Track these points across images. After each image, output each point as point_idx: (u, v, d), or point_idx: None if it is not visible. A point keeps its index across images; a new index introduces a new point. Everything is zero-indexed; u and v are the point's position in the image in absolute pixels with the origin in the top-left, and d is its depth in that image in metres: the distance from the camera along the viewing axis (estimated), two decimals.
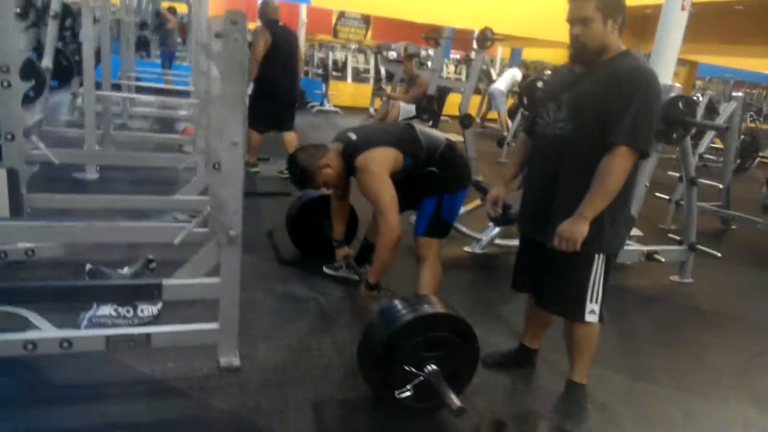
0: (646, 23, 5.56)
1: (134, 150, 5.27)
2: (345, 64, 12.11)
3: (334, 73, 10.93)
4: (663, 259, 3.48)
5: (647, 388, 2.44)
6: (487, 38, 5.31)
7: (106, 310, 2.32)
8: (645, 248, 3.52)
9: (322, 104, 10.58)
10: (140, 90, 7.22)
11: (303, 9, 14.03)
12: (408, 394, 1.84)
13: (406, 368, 1.82)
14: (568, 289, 2.02)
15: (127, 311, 2.37)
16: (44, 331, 1.97)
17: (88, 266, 2.53)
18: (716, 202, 5.01)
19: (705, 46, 10.49)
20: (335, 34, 12.16)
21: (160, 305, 2.48)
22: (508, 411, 2.15)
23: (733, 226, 5.17)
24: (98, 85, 4.78)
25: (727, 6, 7.62)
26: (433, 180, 2.51)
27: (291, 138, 5.15)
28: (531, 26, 9.90)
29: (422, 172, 2.51)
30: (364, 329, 1.97)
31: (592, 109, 1.86)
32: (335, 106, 10.66)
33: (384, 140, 2.46)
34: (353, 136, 2.54)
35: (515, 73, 9.34)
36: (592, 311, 2.02)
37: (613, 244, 2.00)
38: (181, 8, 11.64)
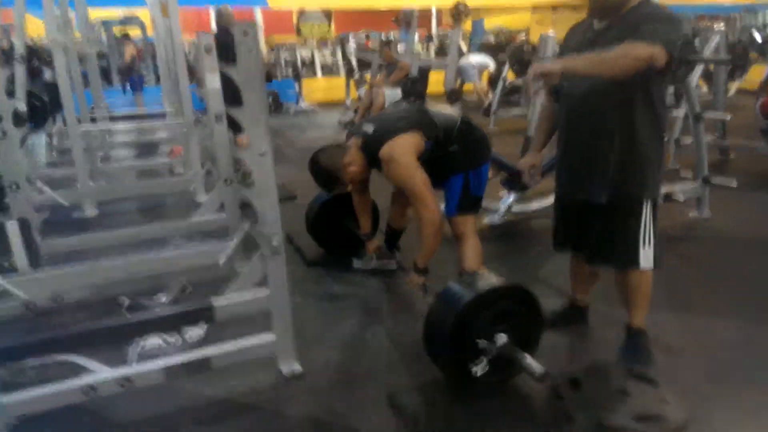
0: None
1: (125, 179, 5.16)
2: (312, 60, 11.99)
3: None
4: (682, 198, 3.50)
5: (700, 321, 2.47)
6: (460, 12, 5.31)
7: (154, 341, 2.26)
8: (662, 190, 3.54)
9: (297, 104, 10.47)
10: (113, 119, 7.07)
11: (258, 12, 13.85)
12: (486, 369, 1.83)
13: (479, 343, 1.80)
14: (621, 240, 2.02)
15: (175, 339, 2.31)
16: (101, 372, 1.92)
17: (126, 301, 2.46)
18: (711, 134, 5.06)
19: None
20: (298, 32, 12.04)
21: (206, 327, 2.43)
22: (576, 368, 2.15)
23: (732, 156, 5.24)
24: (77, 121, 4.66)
25: None
26: (456, 158, 2.49)
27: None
28: None
29: (444, 153, 2.48)
30: (426, 314, 1.94)
31: None
32: (311, 103, 10.56)
33: (402, 126, 2.42)
34: (370, 129, 2.50)
35: (489, 62, 9.27)
36: (646, 257, 2.02)
37: (657, 189, 2.01)
38: (133, 32, 11.43)
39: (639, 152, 1.92)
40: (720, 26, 4.81)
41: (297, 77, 10.48)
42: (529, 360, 1.79)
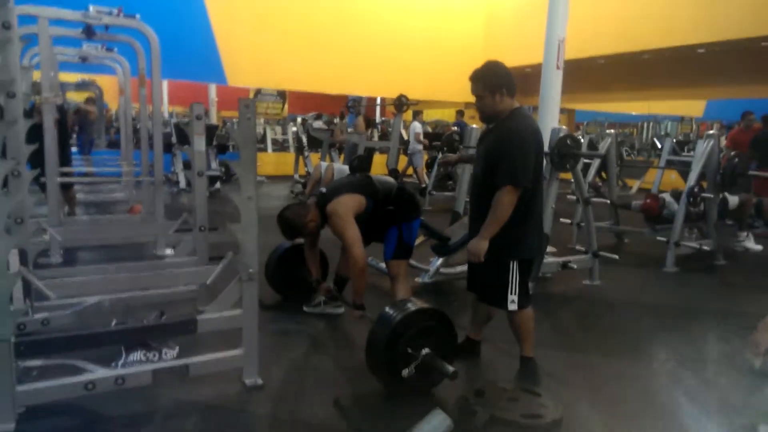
0: (527, 81, 6.76)
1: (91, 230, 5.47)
2: (264, 136, 12.76)
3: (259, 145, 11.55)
4: (575, 266, 4.29)
5: (581, 358, 3.14)
6: (402, 104, 6.23)
7: (137, 355, 2.67)
8: (560, 260, 4.33)
9: None
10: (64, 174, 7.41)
11: (212, 88, 14.64)
12: (412, 372, 2.38)
13: (409, 351, 2.37)
14: (495, 286, 2.66)
15: (154, 355, 2.73)
16: (99, 372, 2.33)
17: (114, 322, 2.86)
18: (609, 221, 6.06)
19: (579, 96, 12.31)
20: None
21: (177, 349, 2.85)
22: (480, 384, 2.71)
23: (626, 240, 6.22)
24: None
25: (592, 61, 9.22)
26: (392, 215, 3.20)
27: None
28: (428, 90, 11.19)
29: (383, 211, 3.17)
30: (369, 331, 2.50)
31: (491, 158, 2.57)
32: (260, 175, 11.18)
33: (346, 189, 3.15)
34: (324, 190, 3.19)
35: (416, 126, 10.37)
36: (512, 301, 2.64)
37: (523, 253, 2.65)
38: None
39: (506, 228, 2.54)
40: (611, 131, 5.90)
41: None
42: (444, 363, 2.36)
